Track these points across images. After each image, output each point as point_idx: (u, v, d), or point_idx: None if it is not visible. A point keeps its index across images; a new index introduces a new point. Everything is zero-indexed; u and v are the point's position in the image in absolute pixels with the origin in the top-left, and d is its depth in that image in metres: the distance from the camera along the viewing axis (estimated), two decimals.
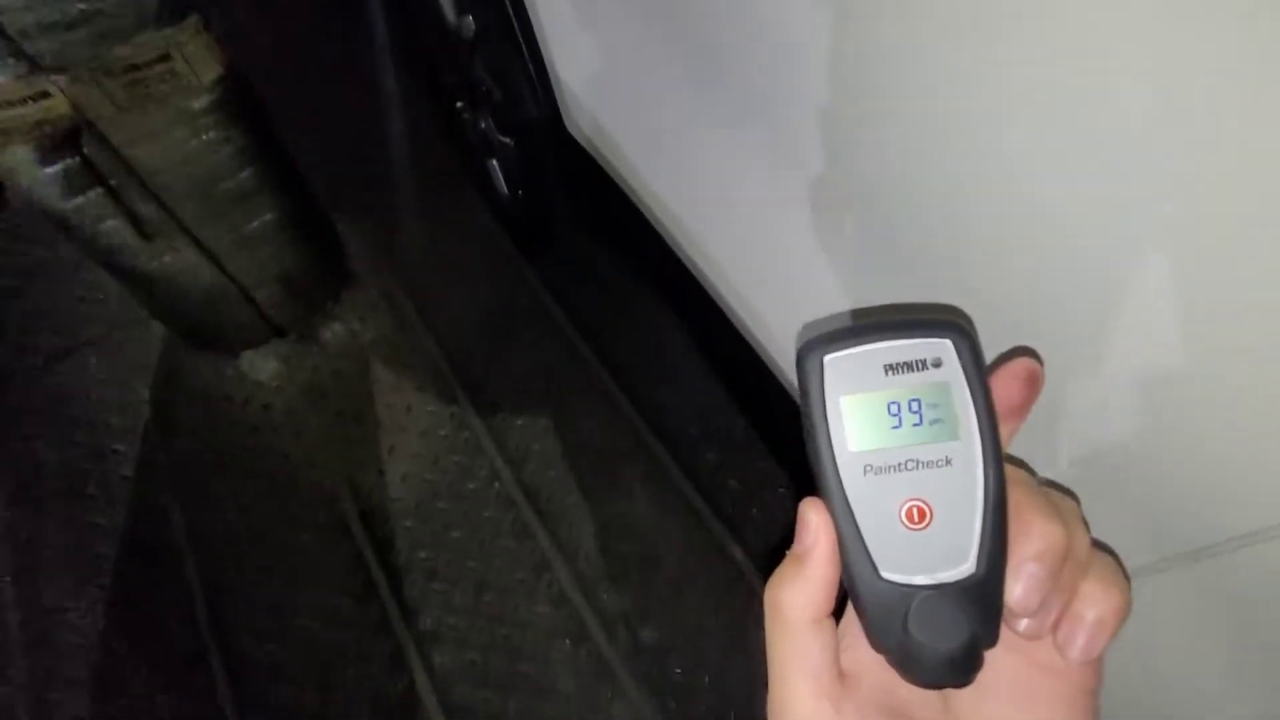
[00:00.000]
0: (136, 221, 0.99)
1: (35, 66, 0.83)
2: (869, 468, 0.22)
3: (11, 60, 0.82)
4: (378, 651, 1.02)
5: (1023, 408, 0.24)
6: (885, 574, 0.22)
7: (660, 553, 1.09)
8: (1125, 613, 0.22)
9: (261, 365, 1.29)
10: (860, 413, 0.22)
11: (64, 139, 0.87)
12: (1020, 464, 0.25)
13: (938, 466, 0.22)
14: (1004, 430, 0.23)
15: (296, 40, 1.75)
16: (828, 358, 0.23)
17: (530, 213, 1.36)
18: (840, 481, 0.22)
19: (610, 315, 1.33)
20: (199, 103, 0.94)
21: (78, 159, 0.89)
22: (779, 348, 0.72)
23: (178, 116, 0.93)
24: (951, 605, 0.21)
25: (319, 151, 1.52)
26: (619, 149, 0.88)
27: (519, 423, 1.23)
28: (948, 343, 0.22)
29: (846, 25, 0.47)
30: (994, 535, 0.22)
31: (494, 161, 1.35)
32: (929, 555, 0.22)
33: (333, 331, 1.34)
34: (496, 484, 1.17)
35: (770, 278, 0.71)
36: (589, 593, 1.06)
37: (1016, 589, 0.22)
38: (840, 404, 0.22)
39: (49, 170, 0.88)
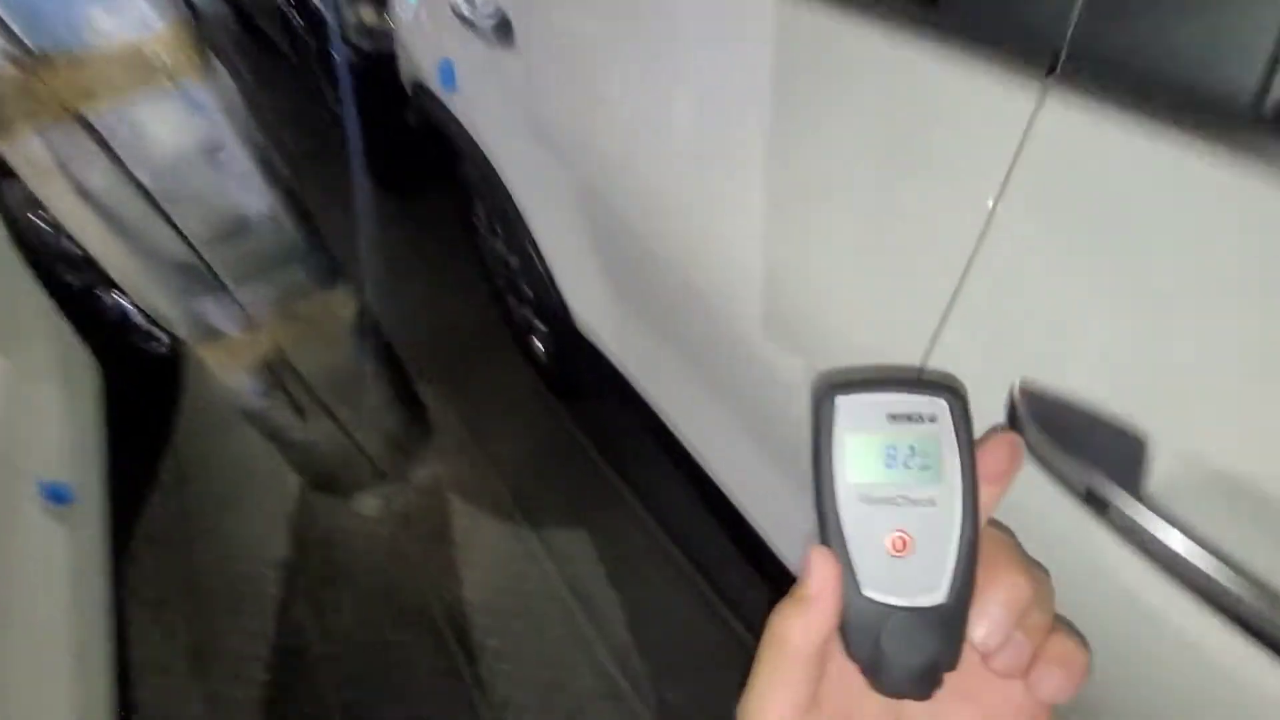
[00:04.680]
0: (297, 408, 1.46)
1: (249, 320, 1.33)
2: (864, 497, 0.25)
3: (237, 313, 1.32)
4: (459, 714, 1.34)
5: (1006, 474, 0.27)
6: (866, 591, 0.25)
7: (674, 631, 1.40)
8: (1088, 672, 0.25)
9: (369, 503, 1.70)
10: (862, 450, 0.26)
11: (265, 364, 1.36)
12: (1006, 530, 0.28)
13: (923, 505, 0.25)
14: (989, 492, 0.26)
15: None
16: (840, 399, 0.26)
17: (564, 373, 1.80)
18: (837, 505, 0.25)
19: (625, 445, 1.72)
20: (344, 332, 1.43)
21: (271, 375, 1.37)
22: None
23: (332, 340, 1.42)
24: (921, 627, 0.24)
25: (406, 337, 2.02)
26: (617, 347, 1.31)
27: (563, 534, 1.59)
28: (943, 402, 0.25)
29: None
30: (964, 571, 0.25)
31: (535, 339, 1.82)
32: (906, 581, 0.25)
33: (420, 474, 1.76)
34: (547, 583, 1.51)
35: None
36: (622, 662, 1.36)
37: (980, 628, 0.24)
38: (846, 440, 0.26)
39: (256, 385, 1.36)
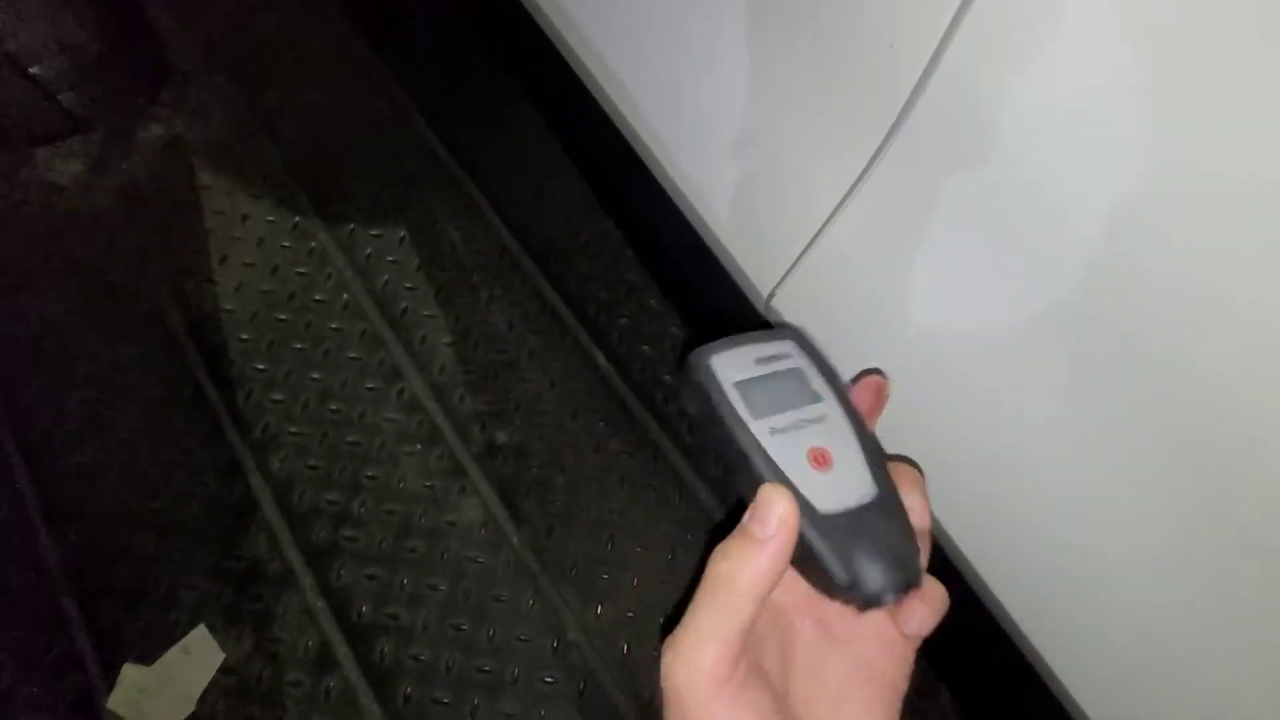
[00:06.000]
0: None
1: None
2: (773, 430, 0.27)
3: None
4: (208, 460, 0.95)
5: (871, 413, 0.31)
6: (824, 510, 0.25)
7: (520, 359, 1.04)
8: (945, 608, 0.27)
9: (61, 166, 1.11)
10: (751, 392, 0.28)
11: None
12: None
13: (818, 422, 0.28)
14: None
15: None
16: (714, 358, 0.29)
17: (384, 6, 1.19)
18: (760, 445, 0.26)
19: (477, 120, 1.20)
20: None
21: None
22: (656, 139, 0.63)
23: None
24: (876, 521, 0.26)
25: None
26: None
27: (372, 233, 1.12)
28: (789, 341, 0.31)
29: None
30: (879, 463, 0.28)
31: None
32: (841, 488, 0.26)
33: (151, 132, 1.16)
34: (345, 295, 1.07)
35: (653, 66, 0.61)
36: (443, 398, 1.00)
37: (915, 504, 0.28)
38: (736, 389, 0.28)
39: None
